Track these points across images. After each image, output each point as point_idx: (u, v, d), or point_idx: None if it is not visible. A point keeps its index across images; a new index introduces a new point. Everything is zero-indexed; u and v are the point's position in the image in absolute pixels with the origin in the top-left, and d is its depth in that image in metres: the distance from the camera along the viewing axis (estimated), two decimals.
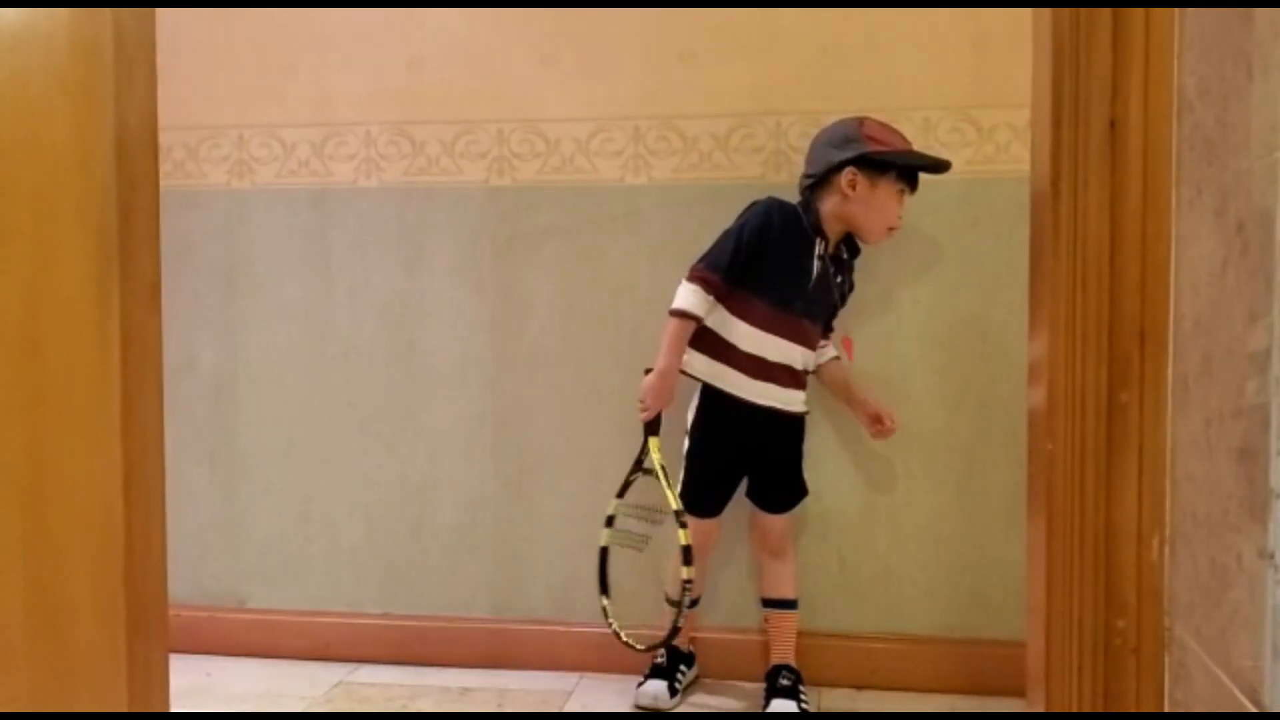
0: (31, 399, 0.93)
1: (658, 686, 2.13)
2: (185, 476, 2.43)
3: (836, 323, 2.26)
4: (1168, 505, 0.89)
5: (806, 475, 2.25)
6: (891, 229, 2.11)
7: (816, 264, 2.10)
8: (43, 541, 0.95)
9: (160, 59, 1.12)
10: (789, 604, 2.22)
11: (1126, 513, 0.92)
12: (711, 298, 2.09)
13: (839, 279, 2.16)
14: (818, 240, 2.10)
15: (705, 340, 2.12)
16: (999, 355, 2.23)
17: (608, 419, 2.35)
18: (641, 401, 2.12)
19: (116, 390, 1.03)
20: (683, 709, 2.16)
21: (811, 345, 2.16)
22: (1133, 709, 0.91)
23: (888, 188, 2.08)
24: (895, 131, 2.12)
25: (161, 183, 1.14)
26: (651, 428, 2.14)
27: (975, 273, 2.24)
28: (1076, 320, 0.95)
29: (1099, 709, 0.93)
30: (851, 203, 2.08)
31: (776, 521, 2.21)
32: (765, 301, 2.09)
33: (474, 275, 2.40)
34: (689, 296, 2.08)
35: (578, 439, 2.38)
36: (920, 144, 2.24)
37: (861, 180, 2.07)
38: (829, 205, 2.10)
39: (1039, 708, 1.03)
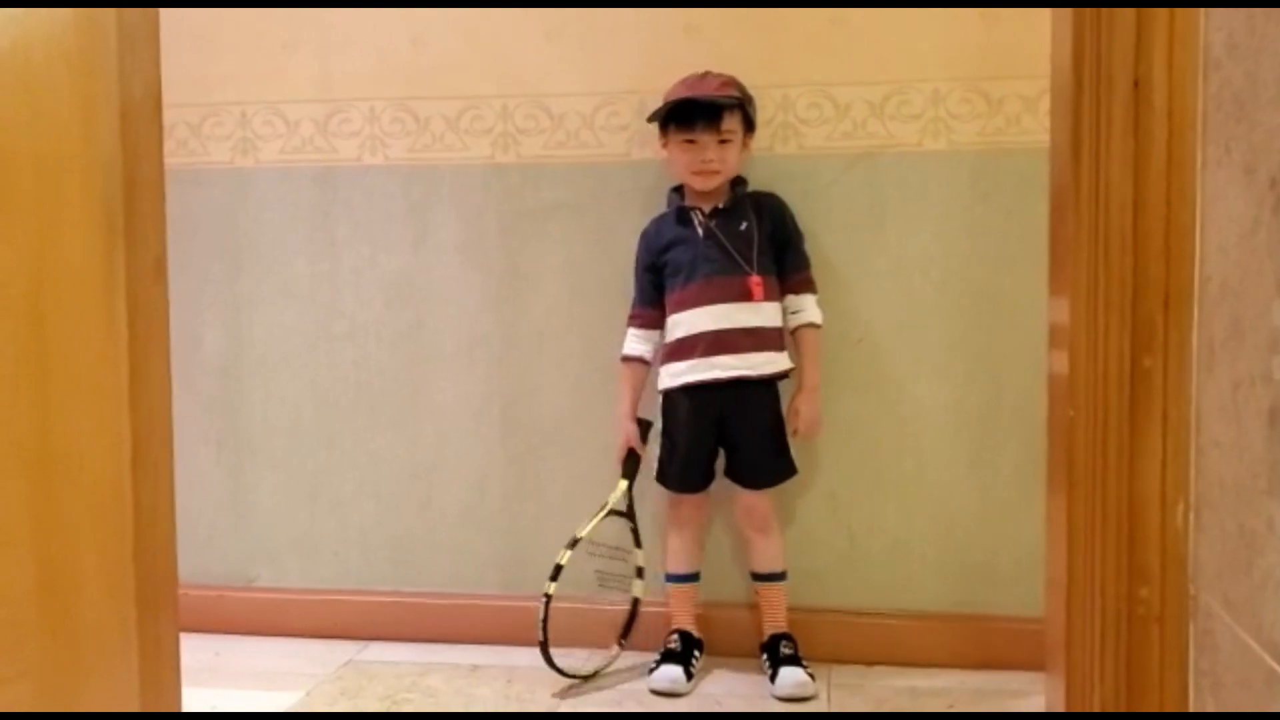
0: (38, 372, 0.92)
1: (674, 671, 2.12)
2: (192, 457, 2.42)
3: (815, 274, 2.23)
4: (1192, 471, 0.87)
5: (815, 450, 2.24)
6: (696, 172, 2.15)
7: (700, 228, 2.17)
8: (52, 516, 0.94)
9: (161, 35, 1.10)
10: (779, 577, 2.22)
11: (1150, 479, 0.91)
12: (645, 330, 2.22)
13: (742, 224, 2.17)
14: (693, 211, 2.18)
15: (665, 354, 2.21)
16: (1010, 329, 2.21)
17: (615, 396, 2.34)
18: None
19: (124, 364, 1.02)
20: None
21: (749, 295, 2.13)
22: (1156, 678, 0.90)
23: (673, 138, 2.16)
24: (684, 80, 2.16)
25: (164, 160, 1.13)
26: (627, 469, 2.22)
27: (986, 246, 2.22)
28: (1099, 284, 0.93)
29: (1121, 678, 0.92)
30: (670, 163, 2.21)
31: (758, 499, 2.20)
32: (680, 288, 2.17)
33: (480, 253, 2.38)
34: (626, 342, 2.24)
35: (585, 416, 2.36)
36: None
37: (664, 142, 2.20)
38: None
39: (1059, 678, 1.02)
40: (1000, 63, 2.20)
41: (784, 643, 2.17)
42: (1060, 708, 1.01)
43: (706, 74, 2.16)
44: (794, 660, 2.13)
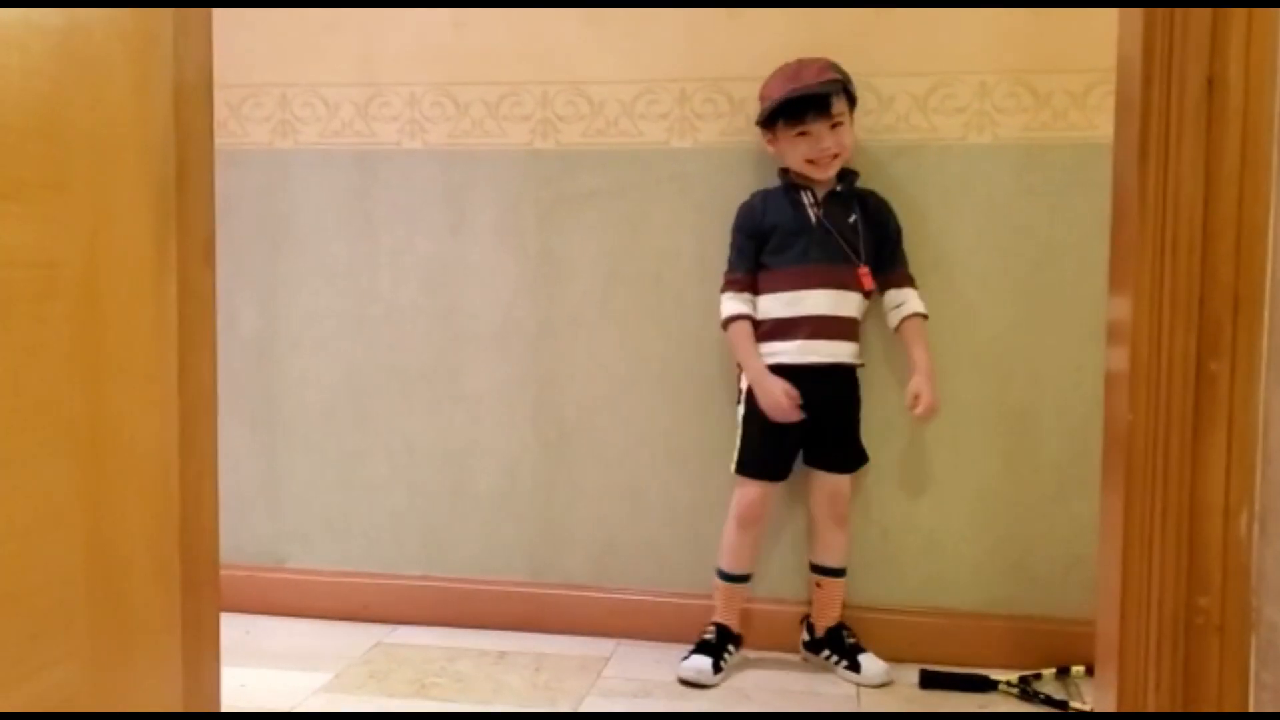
0: (92, 353, 0.92)
1: (702, 662, 2.12)
2: (226, 436, 2.39)
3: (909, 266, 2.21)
4: (1258, 479, 0.86)
5: None
6: (813, 160, 2.12)
7: (812, 211, 2.16)
8: (102, 497, 0.94)
9: None
10: (844, 571, 2.22)
11: (1213, 486, 0.89)
12: (744, 293, 2.19)
13: (851, 216, 2.16)
14: (804, 192, 2.16)
15: (760, 332, 2.18)
16: (1052, 325, 2.19)
17: (649, 384, 2.33)
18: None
19: (174, 346, 1.02)
20: (724, 690, 2.14)
21: (850, 285, 2.14)
22: (1214, 689, 0.88)
23: (784, 133, 2.14)
24: (781, 72, 2.15)
25: None
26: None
27: (1029, 241, 2.19)
28: (1164, 285, 0.91)
29: (1178, 688, 0.91)
30: (780, 156, 2.19)
31: (841, 483, 2.19)
32: (784, 267, 2.16)
33: (517, 238, 2.38)
34: (725, 304, 2.19)
35: (618, 404, 2.36)
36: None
37: (771, 136, 2.18)
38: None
39: (1110, 686, 1.00)
40: (1048, 56, 2.17)
41: (846, 632, 2.18)
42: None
43: (800, 62, 2.13)
44: (863, 648, 2.16)
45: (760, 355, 2.15)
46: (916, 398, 2.13)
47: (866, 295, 2.17)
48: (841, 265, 2.14)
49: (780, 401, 2.11)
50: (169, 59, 1.01)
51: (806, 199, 2.16)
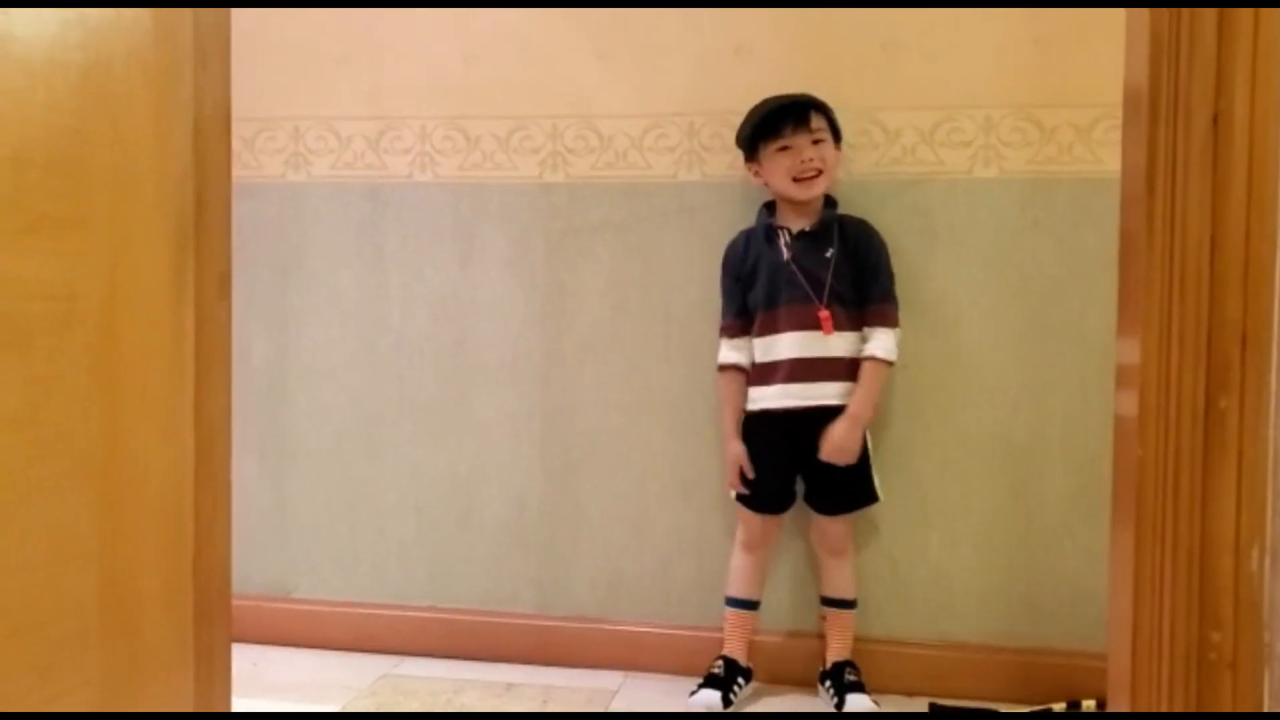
0: (109, 385, 0.92)
1: (711, 695, 2.11)
2: (235, 466, 2.42)
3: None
4: (1269, 515, 0.86)
5: None
6: (798, 178, 2.13)
7: (786, 250, 2.16)
8: (117, 528, 0.95)
9: None
10: (850, 604, 2.20)
11: (1223, 522, 0.89)
12: (737, 339, 2.21)
13: (827, 252, 2.15)
14: (780, 232, 2.18)
15: (751, 377, 2.21)
16: (1058, 358, 2.19)
17: (657, 416, 2.34)
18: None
19: (190, 379, 1.03)
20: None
21: (818, 326, 2.11)
22: None
23: (766, 153, 2.16)
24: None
25: None
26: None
27: (1035, 275, 2.20)
28: (1173, 323, 0.92)
29: None
30: (766, 182, 2.20)
31: (833, 523, 2.19)
32: (762, 310, 2.18)
33: (526, 270, 2.39)
34: (721, 352, 2.23)
35: (626, 435, 2.36)
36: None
37: (755, 166, 2.20)
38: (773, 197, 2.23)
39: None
40: (1053, 90, 2.19)
41: (849, 670, 2.16)
42: None
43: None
44: (859, 687, 2.12)
45: (742, 405, 2.20)
46: (828, 437, 2.11)
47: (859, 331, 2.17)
48: (808, 306, 2.13)
49: (729, 469, 2.20)
50: (189, 93, 1.02)
51: (782, 238, 2.17)
